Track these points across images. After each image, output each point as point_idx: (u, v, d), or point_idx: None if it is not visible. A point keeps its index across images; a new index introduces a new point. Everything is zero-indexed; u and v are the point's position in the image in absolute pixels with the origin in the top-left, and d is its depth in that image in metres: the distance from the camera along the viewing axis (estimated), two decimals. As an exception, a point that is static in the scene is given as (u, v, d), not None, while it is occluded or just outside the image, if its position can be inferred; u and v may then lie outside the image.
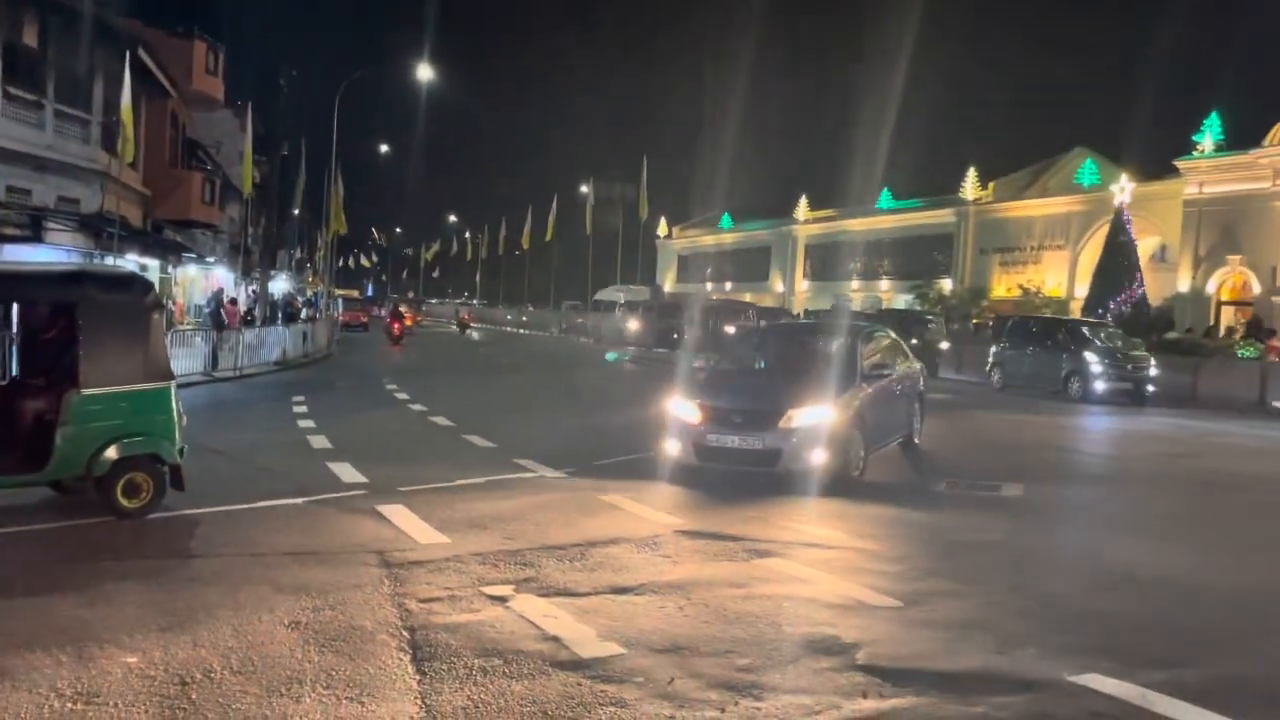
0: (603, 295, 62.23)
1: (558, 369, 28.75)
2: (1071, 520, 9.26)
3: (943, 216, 45.98)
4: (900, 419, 12.14)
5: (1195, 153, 31.78)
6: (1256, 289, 30.13)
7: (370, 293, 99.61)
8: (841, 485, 9.73)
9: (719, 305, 40.62)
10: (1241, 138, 31.41)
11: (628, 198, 63.00)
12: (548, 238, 58.87)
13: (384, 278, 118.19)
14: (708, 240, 65.47)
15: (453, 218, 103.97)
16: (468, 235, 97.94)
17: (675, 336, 35.95)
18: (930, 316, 30.88)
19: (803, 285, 55.86)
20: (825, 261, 54.55)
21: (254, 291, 31.94)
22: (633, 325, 41.57)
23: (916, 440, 12.70)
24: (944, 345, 27.31)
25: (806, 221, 55.81)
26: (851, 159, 48.10)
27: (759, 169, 78.61)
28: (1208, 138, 31.65)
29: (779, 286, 57.34)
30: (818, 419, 9.69)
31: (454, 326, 56.72)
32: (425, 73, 32.81)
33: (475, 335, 49.86)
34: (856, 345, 11.19)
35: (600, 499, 9.01)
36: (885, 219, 50.02)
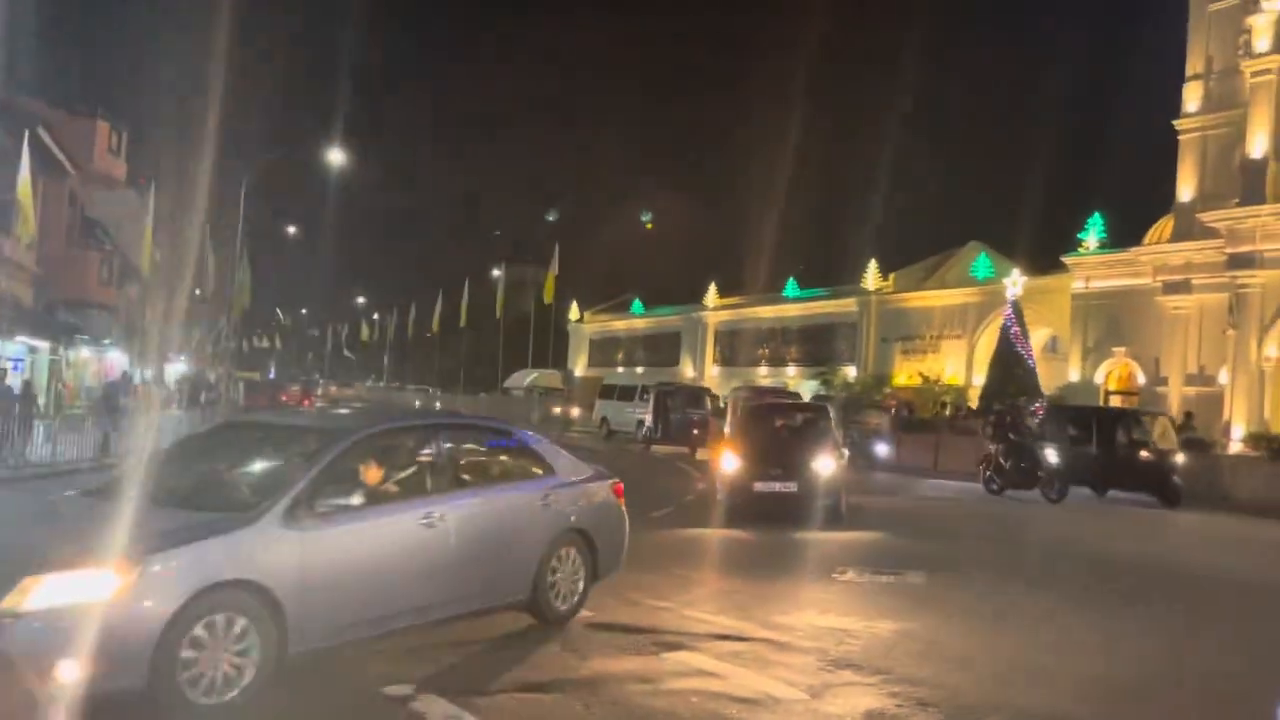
0: (513, 381, 61.98)
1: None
2: (975, 609, 9.43)
3: (846, 306, 47.30)
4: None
5: (1081, 250, 33.53)
6: (1141, 379, 31.63)
7: (273, 375, 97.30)
8: (750, 571, 9.74)
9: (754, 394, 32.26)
10: (1124, 236, 33.33)
11: (540, 282, 63.41)
12: (461, 322, 58.70)
13: (287, 360, 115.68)
14: (619, 325, 66.02)
15: (361, 299, 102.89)
16: (376, 317, 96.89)
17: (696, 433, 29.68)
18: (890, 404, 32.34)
19: (713, 370, 56.55)
20: (734, 347, 55.41)
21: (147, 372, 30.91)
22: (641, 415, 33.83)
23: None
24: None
25: (716, 308, 56.79)
26: (759, 249, 49.50)
27: (670, 255, 79.97)
28: (1092, 235, 33.47)
29: (689, 371, 57.95)
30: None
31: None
32: (337, 156, 32.73)
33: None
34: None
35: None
36: (791, 307, 51.21)
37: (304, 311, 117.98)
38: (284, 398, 54.84)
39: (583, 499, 7.91)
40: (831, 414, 16.63)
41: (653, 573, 9.79)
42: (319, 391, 68.00)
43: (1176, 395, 29.58)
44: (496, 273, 62.02)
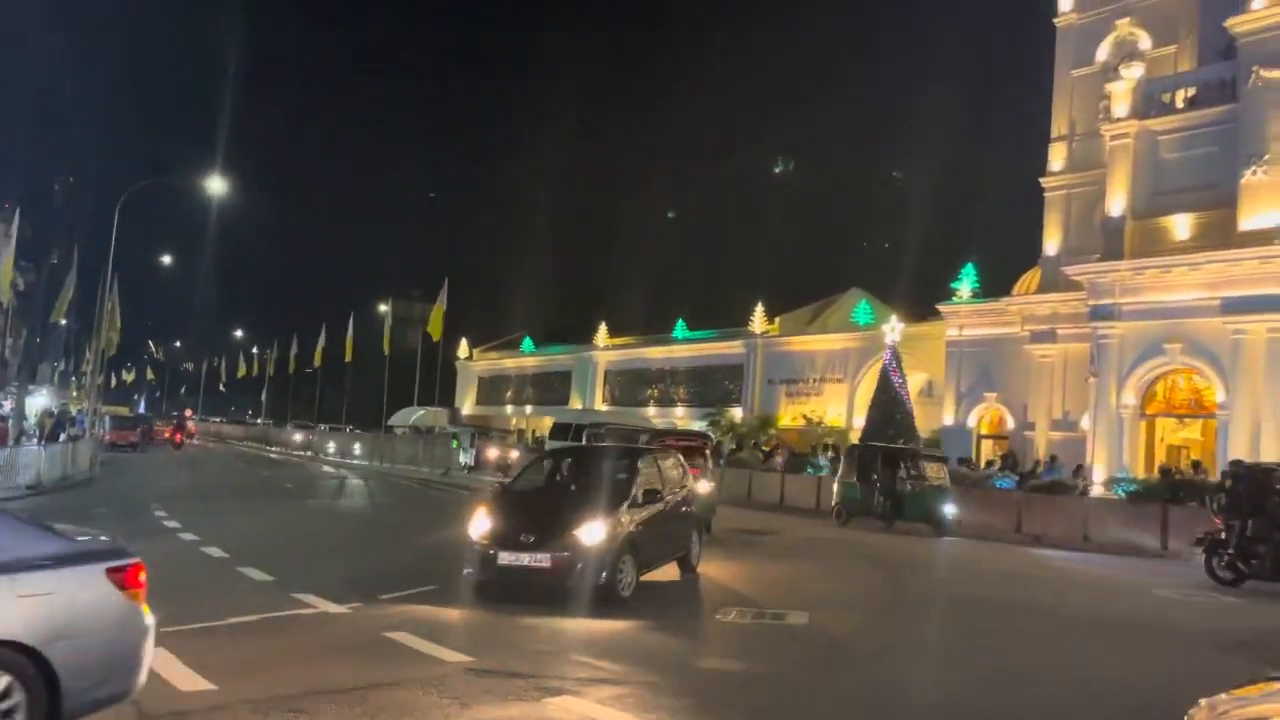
0: (398, 419, 60.71)
1: (352, 495, 27.60)
2: (855, 648, 9.61)
3: (734, 348, 48.12)
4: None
5: (955, 299, 34.96)
6: (1011, 424, 33.01)
7: (143, 410, 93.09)
8: (628, 612, 9.72)
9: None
10: (995, 287, 34.89)
11: (429, 318, 62.49)
12: (347, 358, 57.30)
13: (159, 394, 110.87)
14: (509, 363, 65.58)
15: (240, 333, 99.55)
16: (255, 351, 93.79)
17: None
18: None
19: (602, 410, 56.62)
20: (624, 387, 55.66)
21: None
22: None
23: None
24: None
25: (606, 348, 57.03)
26: (650, 290, 50.03)
27: (561, 294, 79.96)
28: (965, 285, 34.99)
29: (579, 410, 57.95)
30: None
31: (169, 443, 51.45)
32: (217, 185, 31.78)
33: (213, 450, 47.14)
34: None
35: (386, 636, 8.61)
36: (681, 348, 51.83)
37: (178, 344, 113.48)
38: (154, 434, 52.53)
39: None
40: (647, 460, 12.65)
41: (533, 614, 9.67)
42: (190, 428, 65.37)
43: (1043, 439, 30.94)
44: (384, 307, 60.84)
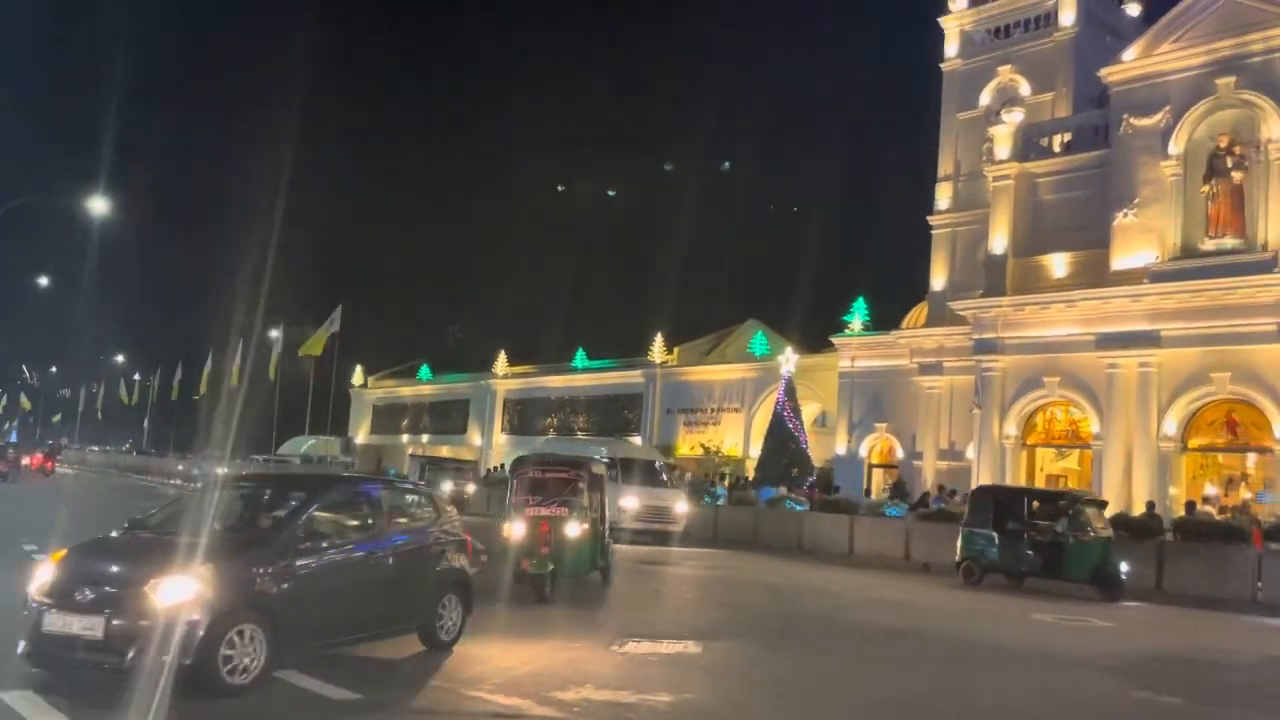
0: (288, 448, 59.06)
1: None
2: (751, 679, 9.68)
3: (633, 377, 48.35)
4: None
5: (847, 331, 35.91)
6: (900, 453, 33.95)
7: (14, 438, 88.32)
8: (530, 645, 9.56)
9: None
10: (886, 320, 35.99)
11: (324, 344, 61.02)
12: (233, 383, 55.50)
13: (34, 421, 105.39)
14: (405, 391, 64.49)
15: (121, 358, 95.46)
16: (137, 378, 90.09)
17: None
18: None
19: (501, 439, 56.11)
20: (523, 416, 55.30)
21: None
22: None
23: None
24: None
25: (505, 376, 56.62)
26: (550, 319, 49.97)
27: (460, 322, 79.14)
28: (857, 318, 35.98)
29: (477, 440, 57.24)
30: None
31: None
32: (99, 205, 30.54)
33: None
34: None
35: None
36: (580, 377, 51.83)
37: (54, 370, 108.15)
38: (24, 461, 49.87)
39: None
40: (343, 489, 10.01)
41: (432, 650, 9.48)
42: (60, 456, 62.30)
43: (931, 469, 31.89)
44: (274, 333, 59.24)
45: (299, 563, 8.03)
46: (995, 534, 18.81)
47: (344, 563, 8.55)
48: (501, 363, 56.75)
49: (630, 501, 24.40)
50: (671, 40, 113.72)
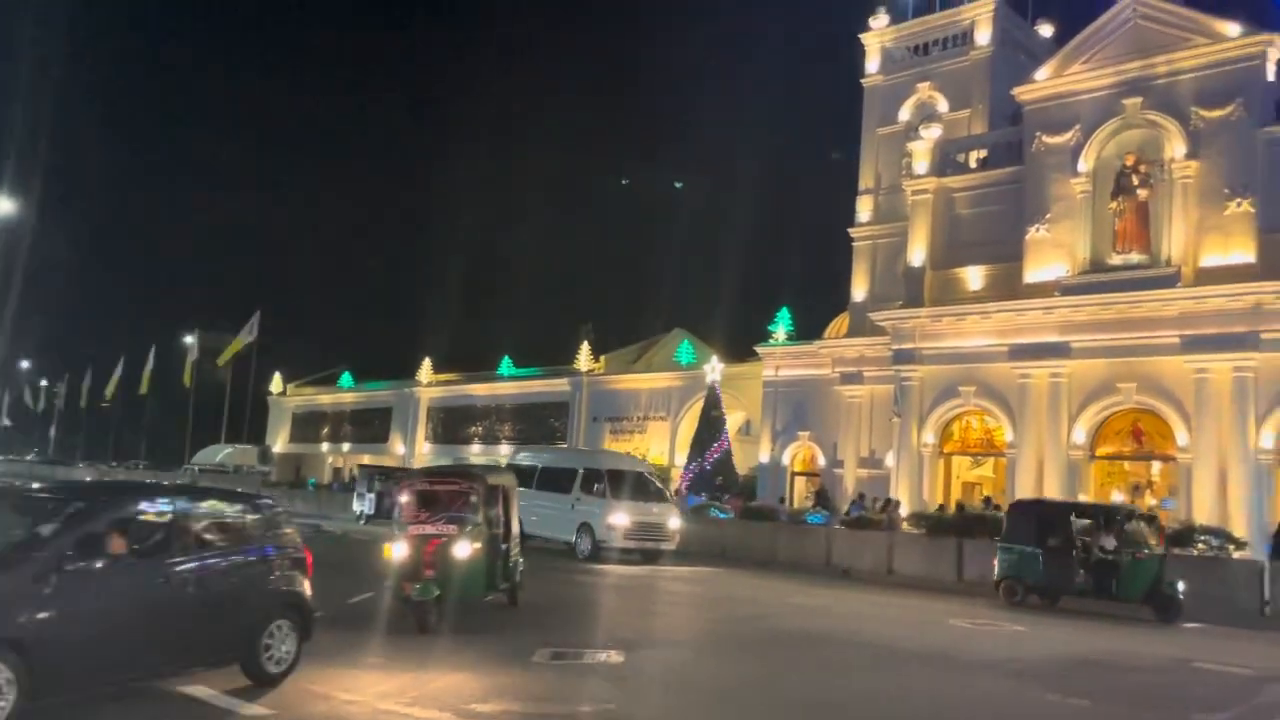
0: (202, 457, 57.54)
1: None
2: (673, 687, 9.69)
3: (559, 385, 48.17)
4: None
5: (771, 341, 36.30)
6: (821, 461, 34.41)
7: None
8: (448, 655, 9.43)
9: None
10: (809, 330, 36.47)
11: (240, 351, 59.56)
12: (141, 390, 53.86)
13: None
14: (325, 399, 63.25)
15: (26, 364, 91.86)
16: (44, 384, 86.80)
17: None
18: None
19: (424, 448, 55.38)
20: (447, 424, 54.67)
21: None
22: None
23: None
24: None
25: (430, 384, 55.93)
26: (476, 326, 49.53)
27: (384, 328, 78.02)
28: (780, 329, 36.40)
29: (399, 448, 56.40)
30: None
31: None
32: (3, 205, 29.42)
33: None
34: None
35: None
36: (506, 385, 51.45)
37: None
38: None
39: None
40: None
41: (346, 665, 9.30)
42: None
43: (852, 476, 32.37)
44: (189, 339, 57.66)
45: (66, 587, 6.79)
46: (1039, 551, 17.78)
47: (130, 586, 7.35)
48: (426, 370, 56.09)
49: (620, 519, 22.50)
50: (601, 52, 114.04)
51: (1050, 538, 17.87)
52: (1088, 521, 18.27)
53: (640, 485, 23.94)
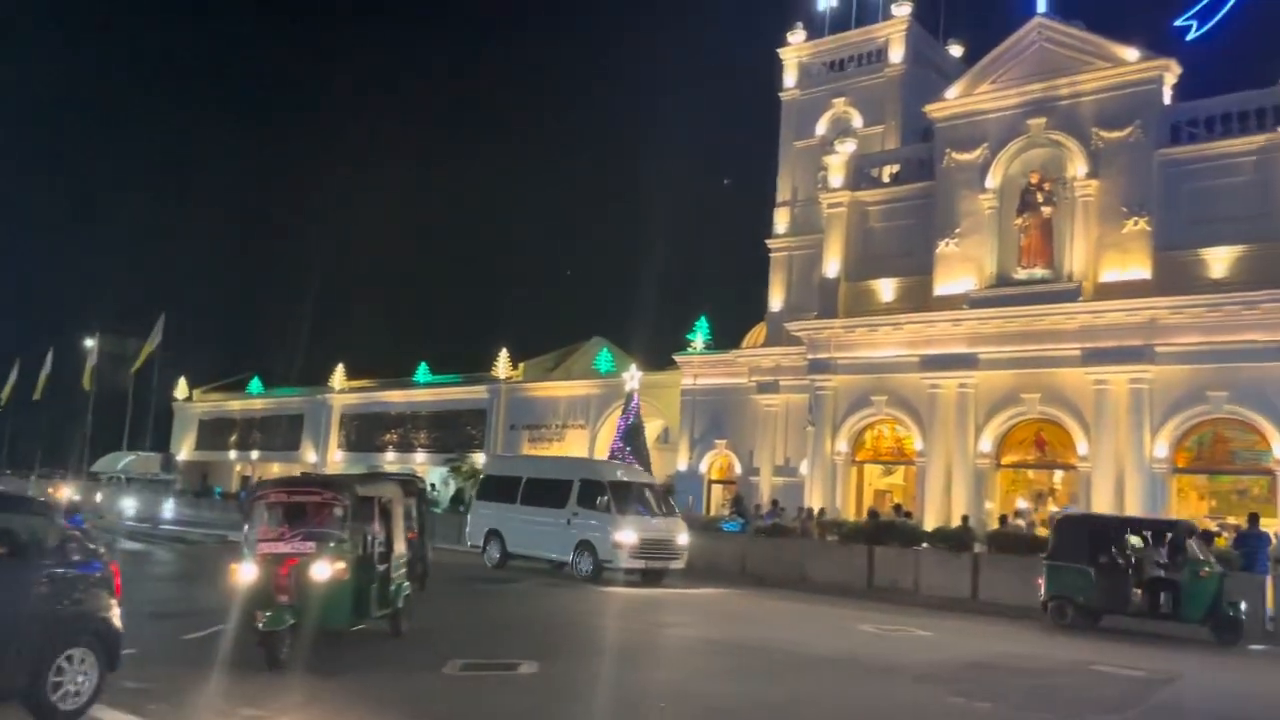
0: (103, 465, 55.48)
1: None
2: (588, 697, 9.64)
3: (477, 393, 47.71)
4: None
5: (690, 349, 36.56)
6: (738, 469, 34.73)
7: None
8: (355, 667, 9.24)
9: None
10: (727, 339, 36.82)
11: (147, 356, 57.56)
12: (35, 395, 51.65)
13: None
14: (234, 405, 61.54)
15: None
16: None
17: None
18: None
19: (337, 456, 54.29)
20: (361, 432, 53.70)
21: None
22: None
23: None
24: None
25: (343, 390, 54.87)
26: (391, 332, 48.76)
27: (296, 334, 76.35)
28: (699, 337, 36.70)
29: (311, 456, 55.18)
30: None
31: None
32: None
33: None
34: None
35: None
36: (422, 392, 50.77)
37: None
38: None
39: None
40: None
41: (248, 680, 9.03)
42: None
43: (767, 484, 32.73)
44: (90, 342, 55.55)
45: None
46: (1090, 569, 16.88)
47: None
48: (339, 376, 55.03)
49: (627, 535, 20.46)
50: (516, 58, 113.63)
51: (1102, 554, 17.05)
52: (1140, 537, 17.53)
53: (645, 497, 22.19)
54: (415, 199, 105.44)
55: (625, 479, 22.68)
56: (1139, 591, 16.59)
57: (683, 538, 21.56)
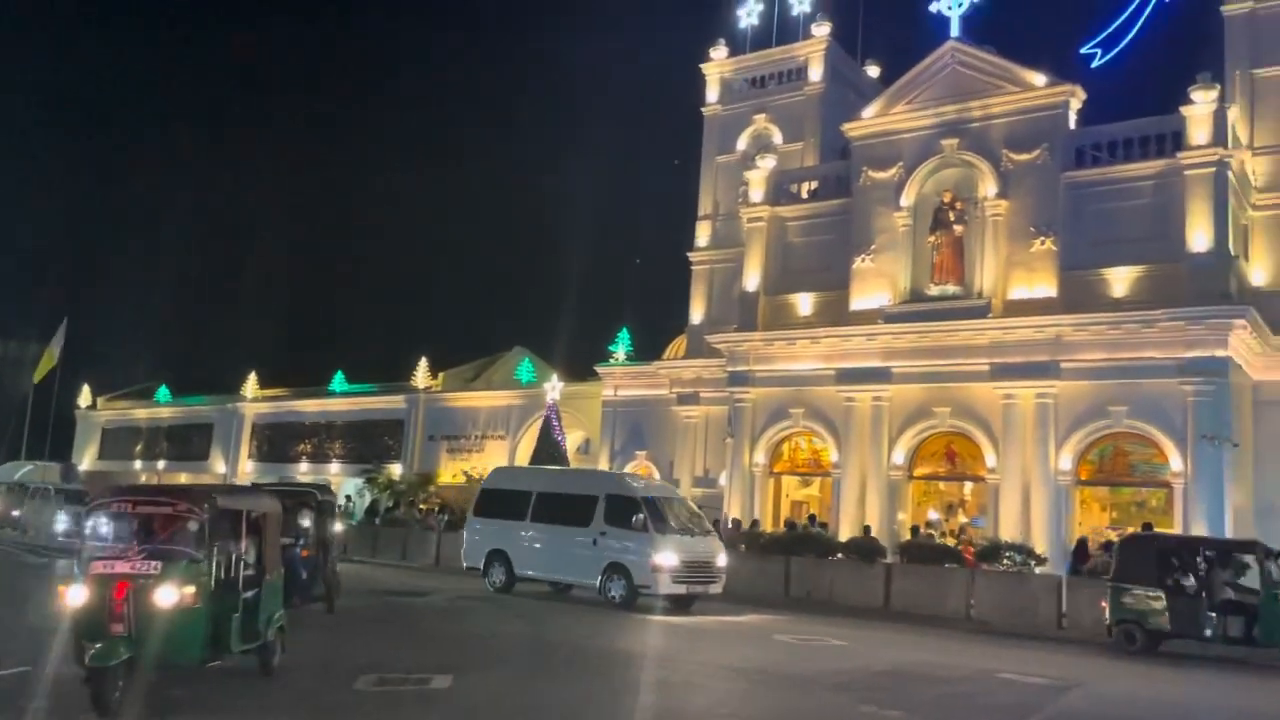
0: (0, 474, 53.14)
1: None
2: (497, 710, 9.56)
3: (395, 403, 46.98)
4: None
5: (611, 361, 36.61)
6: (658, 481, 34.82)
7: None
8: (243, 679, 9.01)
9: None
10: (649, 351, 36.95)
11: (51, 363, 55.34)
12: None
13: None
14: (140, 414, 59.55)
15: None
16: None
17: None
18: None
19: (248, 466, 52.90)
20: (274, 442, 52.45)
21: None
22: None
23: None
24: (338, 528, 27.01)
25: (255, 399, 53.51)
26: (306, 340, 47.76)
27: (207, 342, 74.25)
28: (621, 349, 36.79)
29: (220, 467, 53.67)
30: None
31: None
32: None
33: None
34: None
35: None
36: (338, 401, 49.81)
37: None
38: None
39: None
40: None
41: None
42: None
43: (687, 495, 32.84)
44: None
45: None
46: (1160, 592, 16.29)
47: None
48: (251, 384, 53.69)
49: (668, 558, 18.63)
50: (437, 66, 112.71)
51: (1172, 576, 16.49)
52: (1209, 557, 16.73)
53: (681, 514, 20.55)
54: (335, 205, 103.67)
55: (660, 494, 20.92)
56: (1215, 616, 15.91)
57: (722, 558, 19.92)
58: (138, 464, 57.59)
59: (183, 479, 48.54)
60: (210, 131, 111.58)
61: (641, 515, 19.04)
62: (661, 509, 19.80)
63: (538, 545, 20.79)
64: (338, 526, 16.95)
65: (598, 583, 19.48)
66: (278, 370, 54.71)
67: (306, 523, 15.55)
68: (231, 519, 10.15)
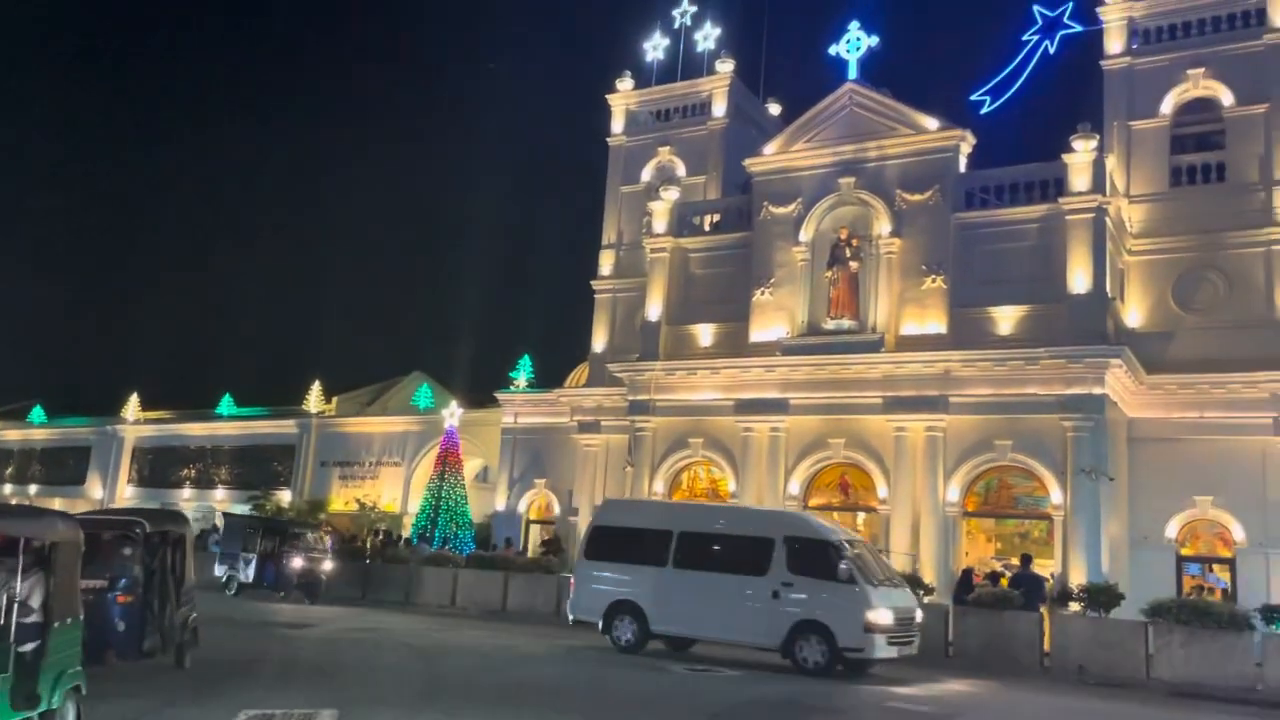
0: None
1: None
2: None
3: (286, 427, 45.68)
4: None
5: (512, 388, 36.32)
6: (557, 509, 34.61)
7: None
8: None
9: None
10: (551, 378, 36.77)
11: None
12: None
13: None
14: (12, 435, 56.53)
15: None
16: None
17: None
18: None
19: (127, 492, 50.64)
20: (156, 467, 50.36)
21: None
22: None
23: None
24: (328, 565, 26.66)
25: (136, 422, 51.37)
26: (193, 361, 46.09)
27: (86, 362, 71.10)
28: (522, 376, 36.54)
29: (98, 492, 51.26)
30: None
31: None
32: None
33: None
34: None
35: None
36: (226, 425, 48.18)
37: None
38: None
39: None
40: None
41: None
42: None
43: (585, 525, 32.71)
44: None
45: None
46: None
47: None
48: (132, 406, 51.54)
49: (883, 615, 16.10)
50: (341, 88, 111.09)
51: None
52: None
53: (879, 562, 18.27)
54: (224, 224, 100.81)
55: (850, 537, 18.20)
56: None
57: (919, 612, 17.79)
58: (8, 489, 54.58)
59: (56, 505, 46.13)
60: (98, 134, 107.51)
61: (845, 565, 16.27)
62: (864, 556, 17.25)
63: (687, 597, 17.51)
64: (189, 565, 13.80)
65: (779, 644, 16.55)
66: (162, 392, 52.72)
67: (131, 560, 12.39)
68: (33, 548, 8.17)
